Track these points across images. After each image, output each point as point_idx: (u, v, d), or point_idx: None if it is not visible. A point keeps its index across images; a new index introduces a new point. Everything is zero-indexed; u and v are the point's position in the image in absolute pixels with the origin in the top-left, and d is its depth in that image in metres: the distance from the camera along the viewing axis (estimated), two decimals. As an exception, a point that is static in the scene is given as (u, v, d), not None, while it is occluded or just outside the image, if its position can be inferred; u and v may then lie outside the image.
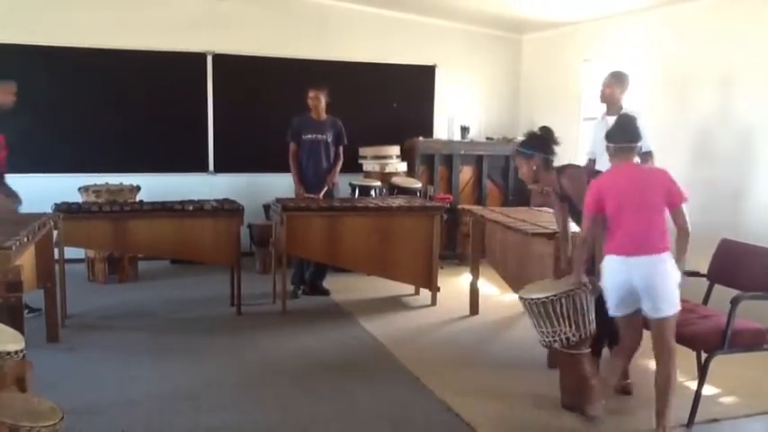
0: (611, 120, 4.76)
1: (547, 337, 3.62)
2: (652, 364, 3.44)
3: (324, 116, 5.98)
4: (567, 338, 3.54)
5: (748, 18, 5.24)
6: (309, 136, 5.94)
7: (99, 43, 6.75)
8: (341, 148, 6.12)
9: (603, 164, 4.91)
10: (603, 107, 5.05)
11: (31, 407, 2.41)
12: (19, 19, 6.60)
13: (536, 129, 3.92)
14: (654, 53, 6.15)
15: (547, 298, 3.52)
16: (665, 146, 4.76)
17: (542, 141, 3.82)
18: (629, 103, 4.93)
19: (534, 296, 3.59)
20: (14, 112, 6.71)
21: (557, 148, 3.83)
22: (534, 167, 3.79)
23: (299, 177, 6.00)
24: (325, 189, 6.06)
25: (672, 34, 5.99)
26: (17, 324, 3.19)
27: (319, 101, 5.89)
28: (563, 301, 3.49)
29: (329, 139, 6.00)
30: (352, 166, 7.28)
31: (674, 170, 4.54)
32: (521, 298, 3.70)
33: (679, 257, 3.24)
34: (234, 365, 4.29)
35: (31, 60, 6.63)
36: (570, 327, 3.52)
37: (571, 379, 3.67)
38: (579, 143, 7.33)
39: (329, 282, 6.16)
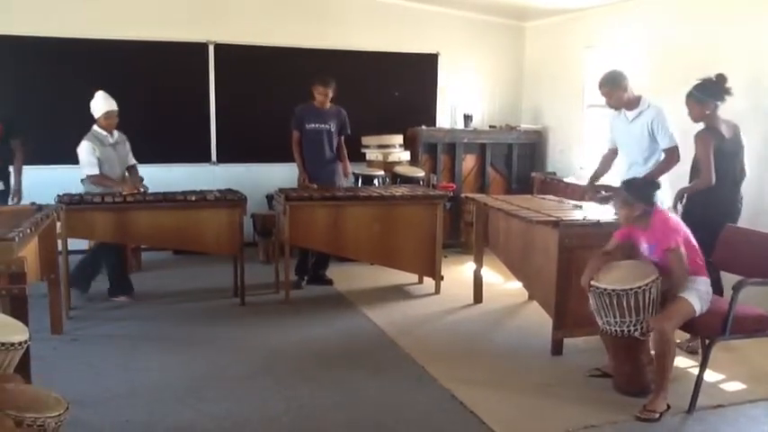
0: (631, 114, 4.73)
1: (612, 327, 3.59)
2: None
3: (327, 105, 5.96)
4: (636, 329, 3.52)
5: (754, 2, 5.19)
6: (312, 125, 5.92)
7: (100, 34, 6.72)
8: (342, 138, 6.10)
9: (626, 159, 4.89)
10: None
11: (36, 398, 2.42)
12: (19, 10, 6.58)
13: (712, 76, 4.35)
14: (657, 40, 6.10)
15: (622, 290, 3.48)
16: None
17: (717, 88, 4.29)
18: (646, 94, 4.80)
19: (612, 287, 3.53)
20: (17, 104, 6.75)
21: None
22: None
23: (303, 165, 5.99)
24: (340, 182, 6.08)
25: (675, 20, 5.94)
26: (21, 315, 3.20)
27: (327, 97, 5.87)
28: (639, 293, 3.47)
29: (332, 129, 5.97)
30: (355, 155, 7.25)
31: (689, 162, 4.53)
32: (591, 285, 3.65)
33: None
34: (237, 355, 4.30)
35: (31, 51, 6.61)
36: (639, 316, 3.51)
37: (626, 364, 3.67)
38: (583, 130, 7.32)
39: (332, 271, 6.16)
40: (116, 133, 5.49)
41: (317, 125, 5.92)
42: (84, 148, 5.26)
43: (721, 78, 4.35)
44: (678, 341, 4.32)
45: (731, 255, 3.87)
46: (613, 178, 5.13)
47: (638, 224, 3.66)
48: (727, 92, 4.34)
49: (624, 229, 3.79)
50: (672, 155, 4.63)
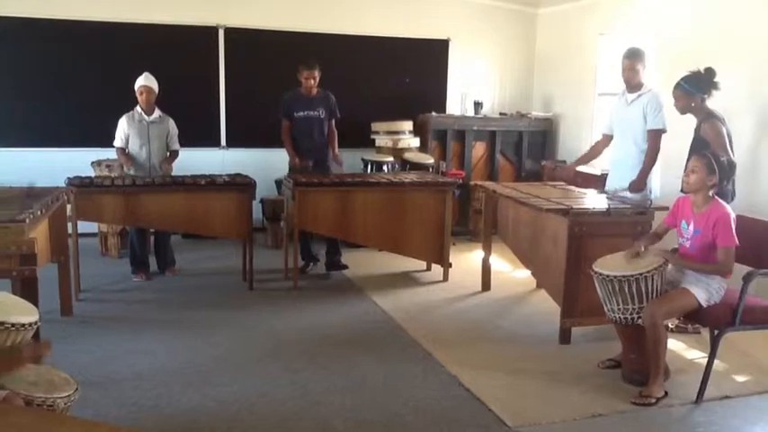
0: (631, 97, 4.74)
1: (616, 314, 3.60)
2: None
3: (314, 91, 5.83)
4: (639, 317, 3.51)
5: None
6: (301, 113, 5.82)
7: (111, 16, 6.71)
8: (333, 122, 5.98)
9: (619, 141, 4.89)
10: (623, 84, 4.95)
11: (46, 378, 2.43)
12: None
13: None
14: (671, 28, 6.04)
15: (623, 277, 3.48)
16: (685, 124, 4.66)
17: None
18: (648, 80, 4.83)
19: (614, 273, 3.53)
20: (27, 86, 6.75)
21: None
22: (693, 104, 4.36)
23: (292, 150, 5.87)
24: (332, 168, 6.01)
25: (691, 8, 5.87)
26: (32, 296, 3.22)
27: (314, 80, 5.76)
28: (640, 280, 3.46)
29: (322, 115, 5.86)
30: (365, 141, 7.25)
31: (677, 150, 4.54)
32: (593, 272, 3.65)
33: None
34: (245, 339, 4.32)
35: (42, 34, 6.60)
36: (642, 303, 3.50)
37: (632, 352, 3.67)
38: (594, 118, 7.27)
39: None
40: (156, 113, 5.65)
41: (306, 113, 5.82)
42: (119, 122, 5.59)
43: (710, 72, 4.32)
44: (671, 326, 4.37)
45: (742, 245, 3.82)
46: (602, 164, 5.20)
47: (697, 199, 3.58)
48: (715, 86, 4.32)
49: (671, 216, 3.74)
50: (655, 137, 4.66)
